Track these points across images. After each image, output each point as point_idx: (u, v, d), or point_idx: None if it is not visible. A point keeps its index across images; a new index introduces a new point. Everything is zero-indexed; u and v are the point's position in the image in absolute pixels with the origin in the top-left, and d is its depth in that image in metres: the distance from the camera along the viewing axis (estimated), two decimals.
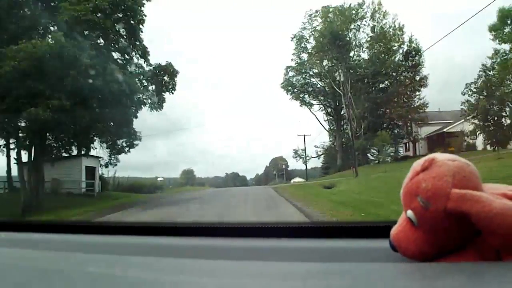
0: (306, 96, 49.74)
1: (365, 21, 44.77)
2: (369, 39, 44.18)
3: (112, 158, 24.55)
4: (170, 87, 19.61)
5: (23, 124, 15.25)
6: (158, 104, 19.39)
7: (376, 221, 1.32)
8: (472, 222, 0.63)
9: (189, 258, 0.90)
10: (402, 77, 40.28)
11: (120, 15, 16.79)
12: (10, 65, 12.78)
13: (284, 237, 1.02)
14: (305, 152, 50.41)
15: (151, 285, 0.69)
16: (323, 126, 50.71)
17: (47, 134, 17.10)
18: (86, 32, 15.48)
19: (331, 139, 51.19)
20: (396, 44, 42.04)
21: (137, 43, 18.14)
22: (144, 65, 19.21)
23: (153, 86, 19.69)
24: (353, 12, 44.51)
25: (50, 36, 15.57)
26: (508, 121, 22.99)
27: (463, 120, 28.22)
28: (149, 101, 19.08)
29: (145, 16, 17.41)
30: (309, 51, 46.86)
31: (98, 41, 16.96)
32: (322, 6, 45.25)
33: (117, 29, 17.29)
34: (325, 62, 44.83)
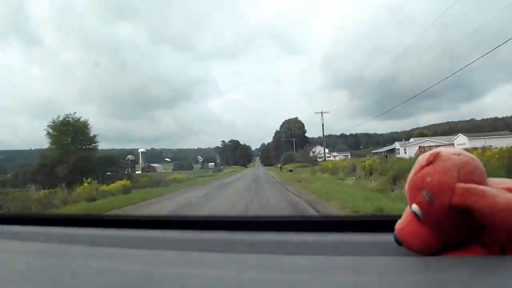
0: None
1: None
2: None
3: None
4: None
5: None
6: None
7: (381, 215, 1.42)
8: (477, 217, 0.63)
9: (192, 251, 0.90)
10: None
11: None
12: None
13: (289, 231, 1.02)
14: None
15: (154, 278, 0.70)
16: None
17: None
18: None
19: None
20: None
21: None
22: None
23: None
24: None
25: None
26: None
27: None
28: None
29: None
30: None
31: None
32: None
33: None
34: None
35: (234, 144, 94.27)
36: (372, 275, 0.66)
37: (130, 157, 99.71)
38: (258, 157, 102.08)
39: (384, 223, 0.90)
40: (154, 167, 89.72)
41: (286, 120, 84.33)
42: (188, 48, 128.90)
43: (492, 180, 0.70)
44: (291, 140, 75.63)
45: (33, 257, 0.92)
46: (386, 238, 0.80)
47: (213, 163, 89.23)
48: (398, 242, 0.75)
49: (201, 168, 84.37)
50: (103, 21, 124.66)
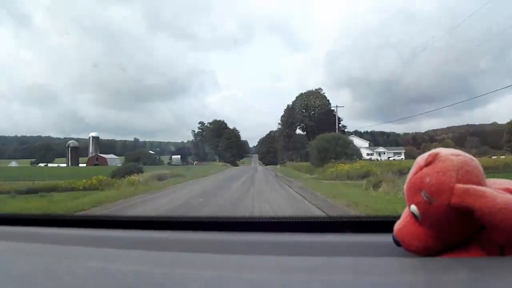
0: None
1: None
2: None
3: None
4: None
5: None
6: None
7: (380, 215, 1.34)
8: (476, 217, 0.63)
9: (190, 252, 0.90)
10: None
11: None
12: None
13: (288, 231, 1.02)
14: None
15: (152, 279, 0.70)
16: None
17: None
18: None
19: None
20: None
21: None
22: None
23: None
24: None
25: None
26: None
27: None
28: None
29: None
30: None
31: None
32: None
33: None
34: None
35: (218, 126, 59.88)
36: (370, 275, 0.65)
37: (71, 143, 69.25)
38: (256, 155, 73.92)
39: (383, 224, 0.90)
40: (105, 158, 61.98)
41: (302, 94, 52.65)
42: (186, 36, 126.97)
43: (491, 181, 0.71)
44: (311, 121, 46.19)
45: (32, 258, 0.91)
46: (385, 238, 0.80)
47: (178, 156, 60.59)
48: (397, 242, 0.75)
49: (168, 163, 56.27)
50: (97, 2, 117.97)
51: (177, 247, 0.96)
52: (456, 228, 0.67)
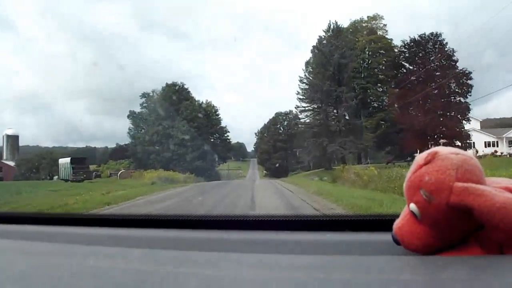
0: None
1: None
2: None
3: None
4: None
5: None
6: None
7: (379, 214, 1.35)
8: (475, 216, 0.63)
9: (190, 250, 0.90)
10: None
11: None
12: None
13: (286, 230, 1.03)
14: None
15: (152, 277, 0.70)
16: None
17: None
18: None
19: None
20: None
21: None
22: None
23: None
24: None
25: None
26: None
27: None
28: None
29: None
30: None
31: None
32: None
33: None
34: None
35: (170, 96, 31.80)
36: (370, 274, 0.65)
37: None
38: (254, 159, 57.67)
39: (382, 222, 0.90)
40: (12, 167, 43.51)
41: (338, 28, 28.65)
42: (180, 38, 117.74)
43: (491, 179, 0.71)
44: (363, 80, 24.16)
45: (32, 256, 0.92)
46: (384, 237, 0.81)
47: (67, 161, 35.48)
48: (396, 241, 0.75)
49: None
50: (84, 2, 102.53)
51: (177, 245, 0.96)
52: (456, 227, 0.67)
